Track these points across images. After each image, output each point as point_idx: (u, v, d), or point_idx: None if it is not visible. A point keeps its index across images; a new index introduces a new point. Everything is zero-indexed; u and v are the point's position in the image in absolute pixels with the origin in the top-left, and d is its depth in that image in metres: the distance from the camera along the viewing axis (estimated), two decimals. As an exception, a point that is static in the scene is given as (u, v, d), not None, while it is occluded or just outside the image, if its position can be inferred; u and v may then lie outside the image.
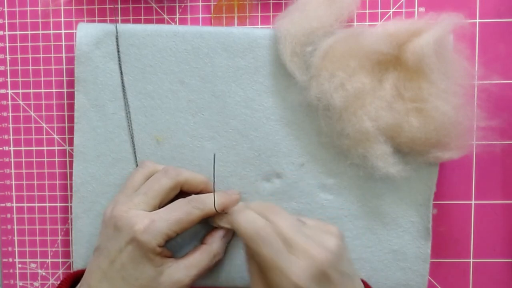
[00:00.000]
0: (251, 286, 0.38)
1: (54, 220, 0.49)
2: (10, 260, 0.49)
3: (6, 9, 0.48)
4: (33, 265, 0.49)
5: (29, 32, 0.48)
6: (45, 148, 0.48)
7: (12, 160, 0.49)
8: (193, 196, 0.42)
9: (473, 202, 0.47)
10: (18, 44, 0.48)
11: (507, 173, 0.47)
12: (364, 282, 0.40)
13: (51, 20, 0.48)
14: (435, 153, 0.43)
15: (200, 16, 0.47)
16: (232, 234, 0.44)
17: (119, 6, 0.48)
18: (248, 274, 0.38)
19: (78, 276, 0.43)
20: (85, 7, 0.48)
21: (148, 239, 0.38)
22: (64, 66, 0.48)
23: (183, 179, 0.42)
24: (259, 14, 0.47)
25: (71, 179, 0.47)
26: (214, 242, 0.43)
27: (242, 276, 0.45)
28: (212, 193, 0.41)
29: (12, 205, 0.49)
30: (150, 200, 0.40)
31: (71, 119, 0.48)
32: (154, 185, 0.41)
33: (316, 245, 0.35)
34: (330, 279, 0.35)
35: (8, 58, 0.48)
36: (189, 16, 0.47)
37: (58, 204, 0.48)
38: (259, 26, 0.47)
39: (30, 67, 0.48)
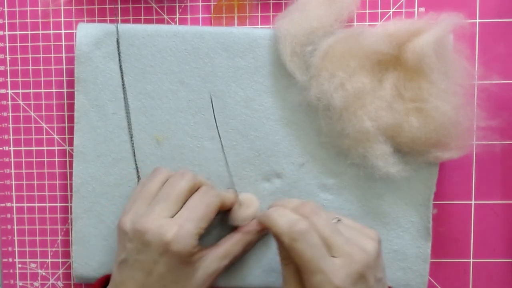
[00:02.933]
0: None
1: (54, 220, 0.49)
2: (10, 260, 0.49)
3: (6, 9, 0.48)
4: (33, 265, 0.49)
5: (29, 32, 0.48)
6: (45, 148, 0.48)
7: (12, 160, 0.49)
8: (203, 188, 0.41)
9: (473, 202, 0.47)
10: (18, 44, 0.48)
11: (507, 173, 0.46)
12: None
13: (51, 20, 0.48)
14: (435, 153, 0.43)
15: (200, 16, 0.47)
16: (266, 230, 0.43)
17: (119, 6, 0.48)
18: (282, 277, 0.38)
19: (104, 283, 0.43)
20: (85, 7, 0.48)
21: (182, 246, 0.38)
22: (64, 66, 0.48)
23: (198, 181, 0.41)
24: (259, 14, 0.47)
25: (71, 179, 0.47)
26: (250, 233, 0.42)
27: (242, 276, 0.45)
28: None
29: (12, 205, 0.49)
30: (172, 205, 0.39)
31: (71, 119, 0.48)
32: (173, 190, 0.40)
33: (355, 247, 0.35)
34: (367, 282, 0.35)
35: (8, 58, 0.48)
36: (189, 16, 0.47)
37: (58, 204, 0.48)
38: (259, 26, 0.47)
39: (30, 67, 0.48)
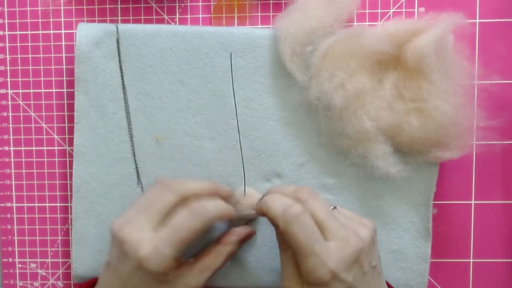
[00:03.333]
0: (282, 275, 0.37)
1: (54, 220, 0.49)
2: (10, 260, 0.49)
3: (6, 9, 0.48)
4: (33, 265, 0.49)
5: (29, 32, 0.48)
6: (45, 148, 0.48)
7: (12, 160, 0.49)
8: (193, 206, 0.37)
9: (473, 202, 0.47)
10: (18, 44, 0.48)
11: (507, 173, 0.46)
12: (388, 284, 0.40)
13: (51, 20, 0.48)
14: (435, 153, 0.43)
15: (200, 16, 0.47)
16: (249, 236, 0.43)
17: (119, 6, 0.48)
18: (280, 263, 0.38)
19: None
20: (85, 7, 0.48)
21: (153, 267, 0.36)
22: (64, 66, 0.48)
23: (189, 192, 0.38)
24: (259, 14, 0.47)
25: (71, 179, 0.47)
26: (230, 244, 0.41)
27: (242, 276, 0.45)
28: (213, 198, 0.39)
29: (12, 205, 0.49)
30: (152, 216, 0.37)
31: (71, 119, 0.48)
32: (156, 200, 0.38)
33: (350, 232, 0.36)
34: (362, 267, 0.35)
35: (8, 58, 0.48)
36: (189, 16, 0.47)
37: (58, 204, 0.48)
38: (259, 26, 0.47)
39: (30, 67, 0.48)
